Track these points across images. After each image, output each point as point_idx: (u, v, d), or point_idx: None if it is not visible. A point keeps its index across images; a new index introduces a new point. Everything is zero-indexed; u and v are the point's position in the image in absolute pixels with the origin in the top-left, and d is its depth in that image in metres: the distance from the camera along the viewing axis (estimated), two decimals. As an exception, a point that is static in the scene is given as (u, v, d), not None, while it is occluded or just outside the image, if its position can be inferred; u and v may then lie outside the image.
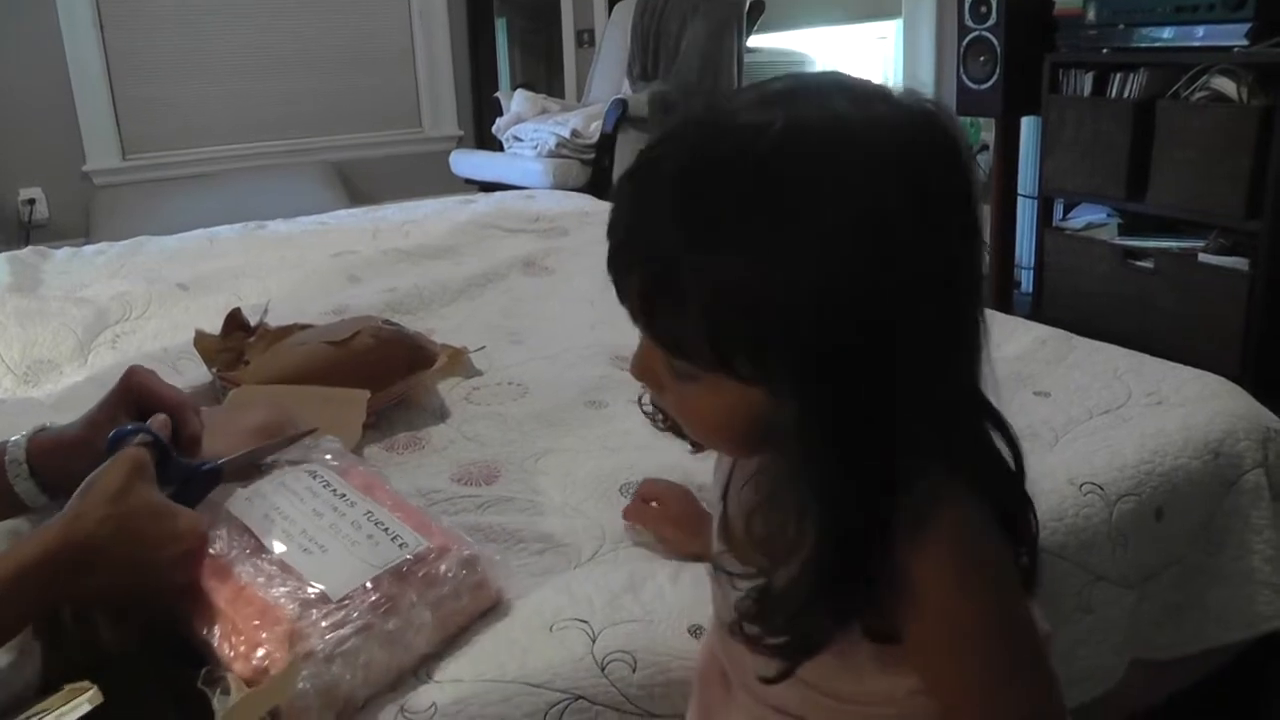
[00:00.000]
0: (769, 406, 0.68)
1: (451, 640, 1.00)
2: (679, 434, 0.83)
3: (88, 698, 0.82)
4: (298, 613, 0.90)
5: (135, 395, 1.09)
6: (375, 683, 0.93)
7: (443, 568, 1.00)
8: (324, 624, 0.90)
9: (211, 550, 0.96)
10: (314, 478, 1.06)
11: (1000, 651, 0.73)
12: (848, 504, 0.67)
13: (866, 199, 0.63)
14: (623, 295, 0.71)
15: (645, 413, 0.87)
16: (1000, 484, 0.74)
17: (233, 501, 1.01)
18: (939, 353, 0.68)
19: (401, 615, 0.95)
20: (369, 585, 0.94)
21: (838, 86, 0.67)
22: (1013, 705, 0.73)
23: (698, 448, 0.85)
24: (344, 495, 1.04)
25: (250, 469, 1.08)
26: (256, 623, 0.90)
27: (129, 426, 1.00)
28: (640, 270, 0.69)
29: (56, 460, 1.06)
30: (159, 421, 1.02)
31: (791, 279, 0.62)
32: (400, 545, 0.99)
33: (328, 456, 1.12)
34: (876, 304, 0.63)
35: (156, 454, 0.97)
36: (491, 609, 1.04)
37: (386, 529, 1.01)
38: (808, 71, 0.71)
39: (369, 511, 1.03)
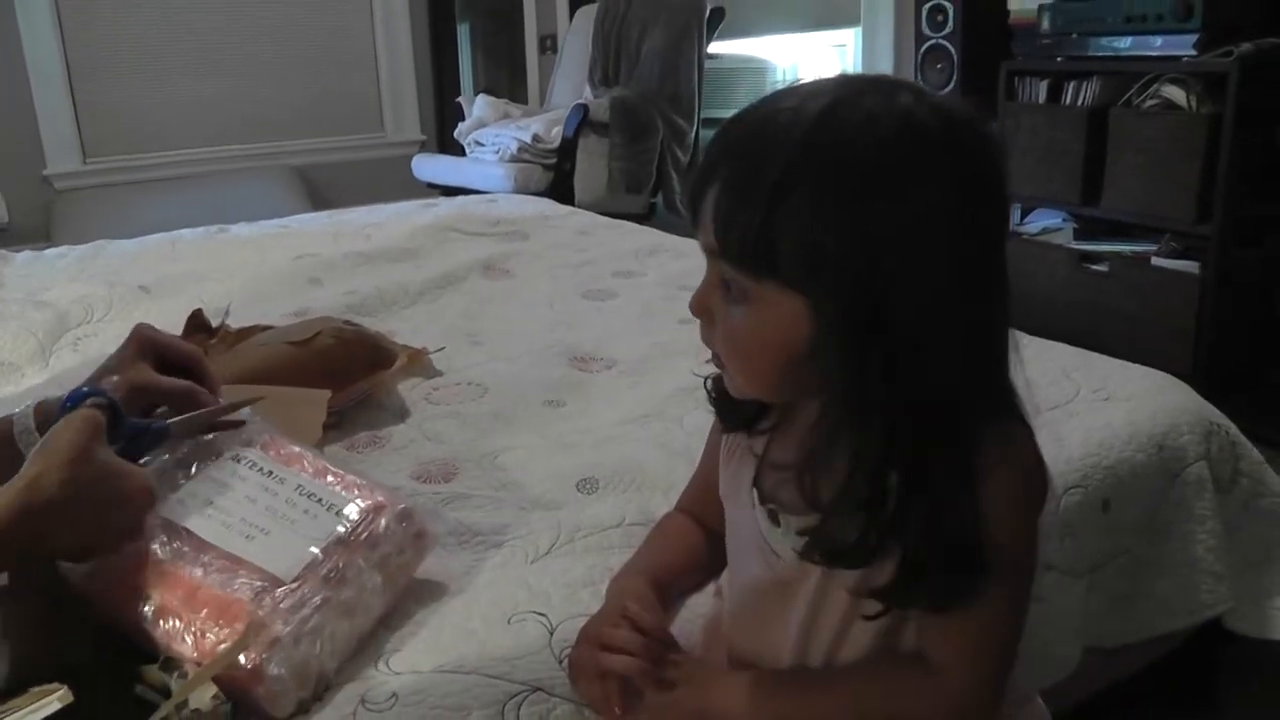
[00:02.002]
0: (809, 324, 0.74)
1: (402, 595, 1.04)
2: (723, 404, 0.91)
3: (57, 697, 0.82)
4: (256, 601, 0.91)
5: (153, 350, 1.11)
6: (341, 653, 0.95)
7: (382, 525, 1.02)
8: (284, 606, 0.92)
9: (157, 555, 0.96)
10: (238, 461, 1.06)
11: (1010, 627, 0.84)
12: (881, 425, 0.75)
13: (936, 176, 0.73)
14: (701, 209, 0.78)
15: (706, 387, 0.94)
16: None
17: (165, 506, 1.00)
18: (983, 302, 0.77)
19: (353, 583, 0.97)
20: (318, 559, 0.96)
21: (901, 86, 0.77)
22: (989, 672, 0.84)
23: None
24: (272, 473, 1.05)
25: (199, 427, 1.08)
26: (216, 620, 0.90)
27: (84, 389, 0.99)
28: (732, 174, 0.75)
29: None
30: (112, 383, 1.03)
31: (864, 228, 0.71)
32: (337, 513, 1.01)
33: (249, 438, 1.10)
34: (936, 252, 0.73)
35: (109, 415, 0.96)
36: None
37: (320, 499, 1.02)
38: (872, 74, 0.79)
39: (299, 485, 1.04)
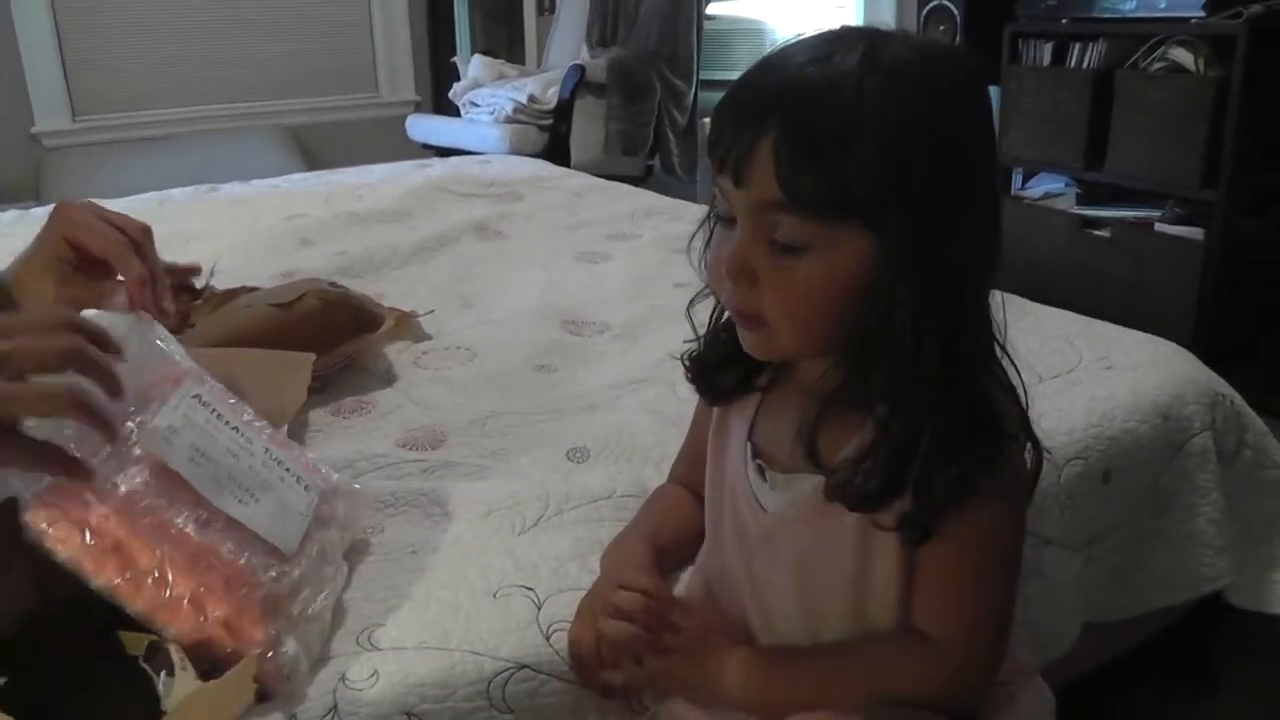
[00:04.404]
0: (876, 260, 0.76)
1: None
2: (703, 380, 0.95)
3: None
4: (270, 575, 0.87)
5: (71, 250, 1.01)
6: (330, 630, 0.93)
7: (340, 510, 1.00)
8: (291, 579, 0.89)
9: (145, 501, 0.85)
10: (204, 405, 0.94)
11: (1002, 593, 0.85)
12: (935, 361, 0.76)
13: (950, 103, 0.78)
14: (751, 164, 0.77)
15: (684, 364, 0.97)
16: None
17: (150, 441, 0.87)
18: (989, 232, 0.81)
19: (332, 561, 0.95)
20: (309, 534, 0.93)
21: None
22: (986, 643, 0.85)
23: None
24: (238, 429, 0.95)
25: None
26: (224, 589, 0.84)
27: None
28: (791, 123, 0.75)
29: None
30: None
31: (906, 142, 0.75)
32: (306, 488, 0.97)
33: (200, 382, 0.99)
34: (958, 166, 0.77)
35: None
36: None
37: (288, 469, 0.97)
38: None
39: (267, 449, 0.96)
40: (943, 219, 0.76)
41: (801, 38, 0.81)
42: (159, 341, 0.97)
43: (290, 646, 0.85)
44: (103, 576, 0.82)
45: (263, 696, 0.84)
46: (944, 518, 0.79)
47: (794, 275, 0.78)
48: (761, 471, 0.90)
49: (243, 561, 0.86)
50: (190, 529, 0.85)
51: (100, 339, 0.81)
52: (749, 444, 0.92)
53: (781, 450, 0.88)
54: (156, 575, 0.82)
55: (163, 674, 0.80)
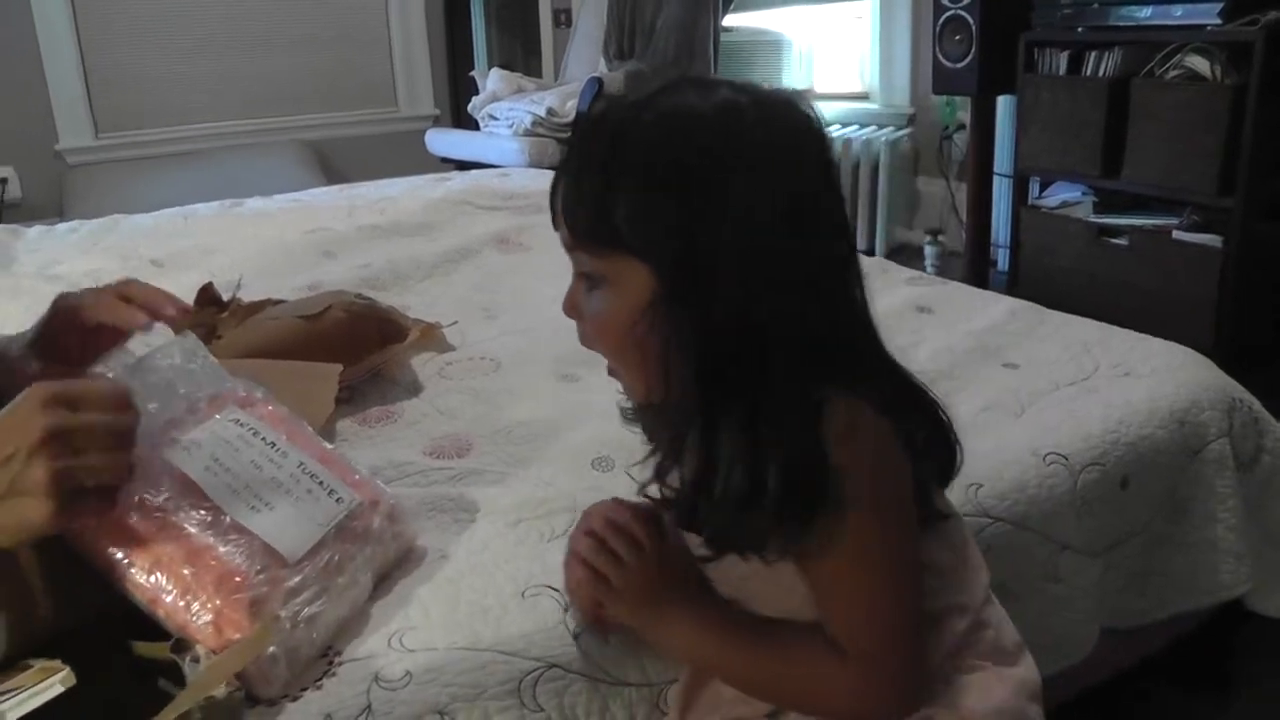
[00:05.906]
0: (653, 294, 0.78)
1: (377, 586, 1.04)
2: (641, 423, 0.96)
3: (60, 679, 0.80)
4: (260, 579, 0.90)
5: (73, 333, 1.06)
6: (325, 640, 0.95)
7: (375, 523, 1.02)
8: (286, 587, 0.91)
9: (158, 503, 0.91)
10: (240, 425, 1.01)
11: (894, 600, 0.82)
12: (726, 390, 0.77)
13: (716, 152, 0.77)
14: (555, 209, 0.83)
15: (621, 408, 0.99)
16: (910, 407, 0.86)
17: (172, 452, 0.95)
18: (788, 272, 0.78)
19: (348, 573, 0.97)
20: (321, 545, 0.95)
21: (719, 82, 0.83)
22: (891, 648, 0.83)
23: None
24: (274, 444, 1.01)
25: None
26: (216, 590, 0.88)
27: None
28: (570, 166, 0.81)
29: None
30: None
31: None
32: (337, 500, 1.00)
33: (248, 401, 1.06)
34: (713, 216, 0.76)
35: None
36: (410, 552, 1.09)
37: (321, 481, 1.00)
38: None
39: (301, 463, 1.01)
40: (697, 260, 0.76)
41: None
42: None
43: (272, 647, 0.87)
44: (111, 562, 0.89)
45: (247, 694, 0.88)
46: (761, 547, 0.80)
47: (598, 310, 0.83)
48: None
49: (237, 562, 0.90)
50: (192, 529, 0.90)
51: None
52: None
53: None
54: (156, 569, 0.88)
55: (188, 660, 0.86)
